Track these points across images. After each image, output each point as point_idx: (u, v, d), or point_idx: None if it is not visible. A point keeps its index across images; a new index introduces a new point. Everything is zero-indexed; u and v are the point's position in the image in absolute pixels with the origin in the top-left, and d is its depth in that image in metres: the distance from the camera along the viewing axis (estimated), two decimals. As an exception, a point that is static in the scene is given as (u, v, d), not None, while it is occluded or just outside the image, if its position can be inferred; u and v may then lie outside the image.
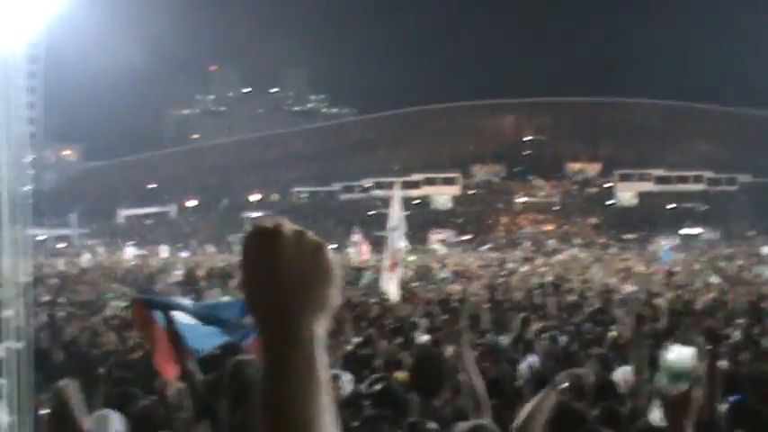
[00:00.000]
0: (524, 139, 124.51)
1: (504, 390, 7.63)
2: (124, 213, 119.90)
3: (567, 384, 4.76)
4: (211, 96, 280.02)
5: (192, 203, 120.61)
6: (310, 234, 1.49)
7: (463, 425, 5.18)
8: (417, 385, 6.17)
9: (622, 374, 7.89)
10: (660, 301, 21.67)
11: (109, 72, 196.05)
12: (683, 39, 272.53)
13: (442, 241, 56.70)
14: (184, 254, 77.17)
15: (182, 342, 6.10)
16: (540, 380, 7.15)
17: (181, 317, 6.26)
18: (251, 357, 6.53)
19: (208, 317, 6.46)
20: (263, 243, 1.47)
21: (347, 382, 7.20)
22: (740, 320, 16.18)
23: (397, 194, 18.75)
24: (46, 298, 25.58)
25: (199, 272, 41.47)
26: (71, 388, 6.20)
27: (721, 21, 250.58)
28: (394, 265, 18.12)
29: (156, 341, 6.38)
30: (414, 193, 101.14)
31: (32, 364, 5.42)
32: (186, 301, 6.80)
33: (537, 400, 4.73)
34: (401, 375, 8.80)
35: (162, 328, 6.23)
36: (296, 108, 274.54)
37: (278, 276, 1.44)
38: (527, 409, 4.72)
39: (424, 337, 13.81)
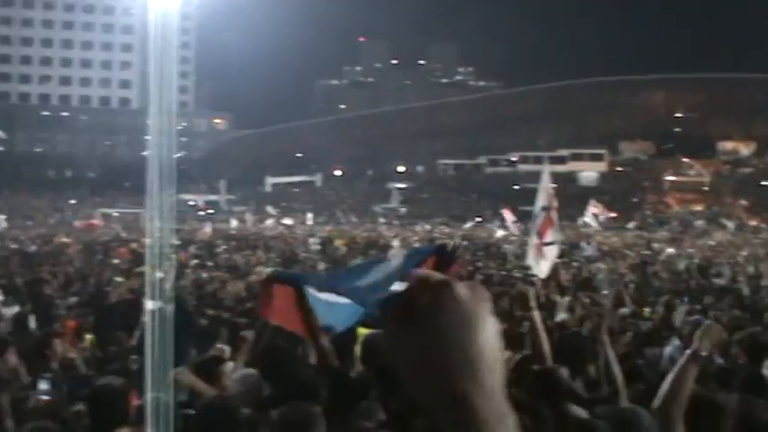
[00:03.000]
0: (675, 116, 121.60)
1: (647, 375, 7.43)
2: (271, 181, 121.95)
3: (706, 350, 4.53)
4: (359, 68, 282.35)
5: (337, 173, 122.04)
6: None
7: (605, 408, 5.13)
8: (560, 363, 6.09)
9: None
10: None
11: (260, 43, 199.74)
12: None
13: (595, 216, 55.40)
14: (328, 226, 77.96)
15: (314, 320, 6.00)
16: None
17: (315, 293, 6.15)
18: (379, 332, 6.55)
19: (346, 286, 6.31)
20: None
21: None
22: None
23: (547, 171, 18.33)
24: (194, 261, 26.32)
25: (338, 241, 41.99)
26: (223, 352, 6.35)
27: None
28: (540, 244, 17.74)
29: (286, 316, 6.27)
30: (560, 168, 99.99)
31: (175, 323, 5.54)
32: (323, 275, 6.66)
33: (677, 372, 4.53)
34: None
35: (295, 302, 6.11)
36: (443, 80, 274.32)
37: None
38: (666, 386, 4.54)
39: (562, 316, 13.68)
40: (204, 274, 20.98)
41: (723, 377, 6.75)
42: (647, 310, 16.00)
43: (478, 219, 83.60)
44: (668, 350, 10.67)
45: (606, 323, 6.21)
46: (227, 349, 7.99)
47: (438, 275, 1.22)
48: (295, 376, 5.91)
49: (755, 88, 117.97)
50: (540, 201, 17.67)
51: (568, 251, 36.56)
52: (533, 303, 6.46)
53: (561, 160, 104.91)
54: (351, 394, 5.02)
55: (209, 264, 25.92)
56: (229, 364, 6.60)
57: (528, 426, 4.74)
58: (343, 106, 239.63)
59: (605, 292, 19.28)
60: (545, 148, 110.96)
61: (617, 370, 5.88)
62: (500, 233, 56.02)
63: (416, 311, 1.18)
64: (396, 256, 6.32)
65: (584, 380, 6.19)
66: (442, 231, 63.52)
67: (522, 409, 5.08)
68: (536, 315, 6.37)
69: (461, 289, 1.19)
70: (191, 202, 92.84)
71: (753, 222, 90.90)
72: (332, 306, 6.11)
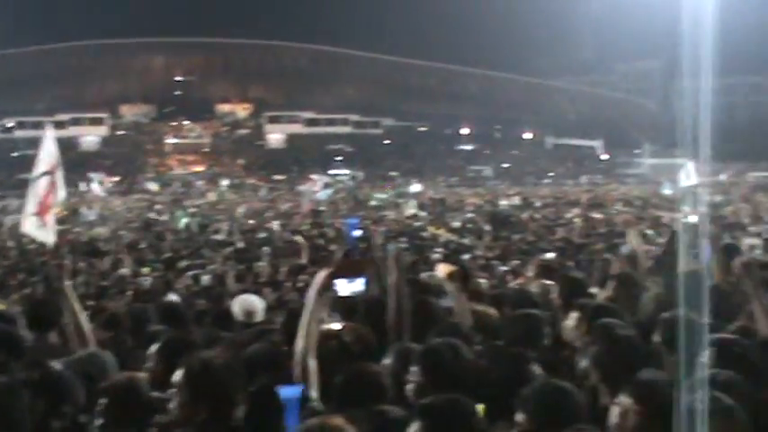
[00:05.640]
0: (175, 79, 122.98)
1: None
2: None
3: None
4: None
5: None
6: None
7: (75, 356, 5.28)
8: (33, 322, 6.22)
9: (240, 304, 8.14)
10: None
11: None
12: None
13: (100, 183, 54.71)
14: None
15: None
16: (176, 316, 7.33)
17: None
18: None
19: None
20: None
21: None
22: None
23: (50, 136, 17.72)
24: None
25: None
26: None
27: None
28: (45, 211, 17.17)
29: None
30: (60, 133, 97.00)
31: None
32: None
33: None
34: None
35: None
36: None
37: None
38: None
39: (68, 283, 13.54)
40: None
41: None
42: (146, 270, 16.26)
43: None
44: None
45: (65, 272, 6.35)
46: None
47: None
48: None
49: (250, 53, 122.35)
50: (42, 167, 17.14)
51: (69, 217, 36.10)
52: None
53: (61, 125, 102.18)
54: None
55: None
56: None
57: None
58: None
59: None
60: (43, 113, 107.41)
61: (83, 319, 6.11)
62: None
63: None
64: None
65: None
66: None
67: None
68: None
69: None
70: None
71: (250, 181, 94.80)
72: None
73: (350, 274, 5.26)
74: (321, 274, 5.04)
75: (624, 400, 4.02)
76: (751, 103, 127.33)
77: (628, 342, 4.91)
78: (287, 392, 4.04)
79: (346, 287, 5.19)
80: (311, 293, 5.02)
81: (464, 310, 6.14)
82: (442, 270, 6.34)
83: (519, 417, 4.02)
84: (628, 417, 3.96)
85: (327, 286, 5.01)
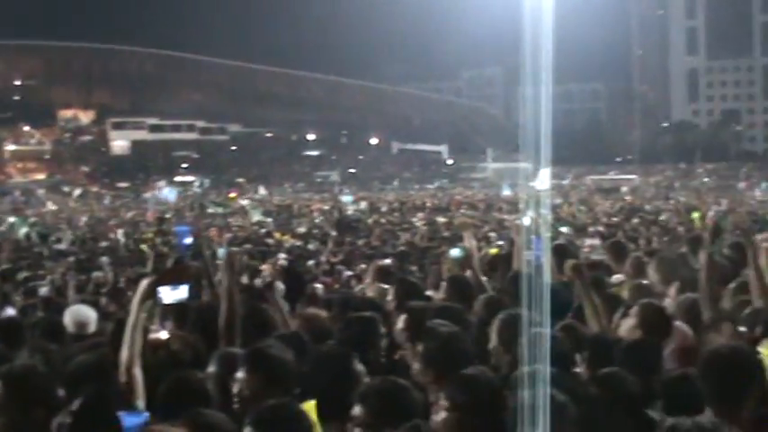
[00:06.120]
0: (14, 83, 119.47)
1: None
2: None
3: None
4: None
5: None
6: None
7: None
8: None
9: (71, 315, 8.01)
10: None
11: None
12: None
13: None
14: None
15: None
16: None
17: None
18: None
19: None
20: None
21: None
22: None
23: None
24: None
25: None
26: None
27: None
28: None
29: None
30: None
31: None
32: None
33: None
34: None
35: None
36: None
37: None
38: None
39: None
40: None
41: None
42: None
43: None
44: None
45: None
46: None
47: None
48: None
49: (94, 57, 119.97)
50: None
51: None
52: None
53: None
54: None
55: None
56: None
57: None
58: None
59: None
60: None
61: None
62: None
63: None
64: None
65: None
66: None
67: None
68: None
69: None
70: None
71: (94, 188, 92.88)
72: None
73: (173, 280, 5.22)
74: (144, 283, 5.00)
75: (440, 396, 4.16)
76: (588, 109, 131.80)
77: (452, 341, 5.03)
78: (130, 421, 4.02)
79: (170, 294, 5.15)
80: (134, 302, 4.97)
81: (279, 312, 6.24)
82: (267, 270, 6.39)
83: (356, 410, 4.08)
84: (442, 413, 4.10)
85: (150, 294, 4.97)
